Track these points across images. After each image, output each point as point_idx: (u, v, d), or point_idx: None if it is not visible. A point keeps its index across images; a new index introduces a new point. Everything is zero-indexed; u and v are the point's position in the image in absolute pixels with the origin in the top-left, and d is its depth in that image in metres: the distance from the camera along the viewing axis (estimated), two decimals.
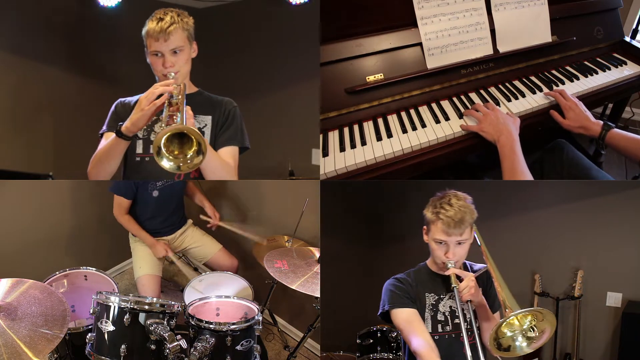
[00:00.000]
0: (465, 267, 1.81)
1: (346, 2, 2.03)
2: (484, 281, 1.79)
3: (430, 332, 1.70)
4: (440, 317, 1.73)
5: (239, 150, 2.05)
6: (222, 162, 1.95)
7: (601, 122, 2.01)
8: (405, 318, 1.69)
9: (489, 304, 1.72)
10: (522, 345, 1.56)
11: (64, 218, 3.10)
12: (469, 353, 1.51)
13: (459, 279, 1.65)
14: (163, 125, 1.70)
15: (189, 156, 1.66)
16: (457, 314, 1.71)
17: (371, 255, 3.26)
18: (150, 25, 1.88)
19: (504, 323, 1.53)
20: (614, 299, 2.65)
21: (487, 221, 2.83)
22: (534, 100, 2.13)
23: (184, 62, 1.93)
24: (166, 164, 1.64)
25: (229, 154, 2.00)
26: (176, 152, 1.66)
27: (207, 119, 2.01)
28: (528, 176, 1.81)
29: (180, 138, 1.66)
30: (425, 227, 1.74)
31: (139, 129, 1.84)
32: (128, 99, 2.02)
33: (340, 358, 2.61)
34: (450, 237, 1.65)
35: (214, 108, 2.03)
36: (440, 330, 1.72)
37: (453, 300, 1.73)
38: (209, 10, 3.67)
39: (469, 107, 2.07)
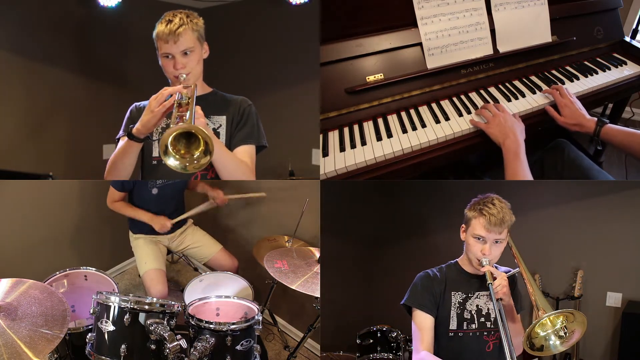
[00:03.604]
0: None
1: (346, 2, 2.03)
2: (509, 284, 1.81)
3: (455, 329, 1.75)
4: (466, 315, 1.76)
5: (257, 149, 2.02)
6: (238, 162, 1.93)
7: (595, 119, 2.01)
8: (419, 323, 1.75)
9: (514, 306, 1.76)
10: (555, 344, 1.61)
11: (64, 218, 3.10)
12: (506, 346, 1.54)
13: (492, 277, 1.69)
14: (172, 125, 1.69)
15: (195, 156, 1.65)
16: (483, 313, 1.76)
17: (371, 255, 3.26)
18: (160, 27, 1.88)
19: (538, 323, 1.59)
20: (614, 299, 2.65)
21: None
22: (534, 100, 2.13)
23: (195, 63, 1.93)
24: (172, 162, 1.63)
25: (246, 152, 1.97)
26: (183, 152, 1.65)
27: (222, 119, 2.00)
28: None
29: (188, 138, 1.65)
30: (463, 225, 1.78)
31: (150, 131, 1.83)
32: (143, 103, 2.01)
33: (340, 358, 2.61)
34: (490, 234, 1.69)
35: (228, 108, 2.01)
36: (465, 327, 1.75)
37: (480, 300, 1.77)
38: (209, 10, 3.66)
39: (469, 107, 2.07)
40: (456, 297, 1.78)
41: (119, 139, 1.99)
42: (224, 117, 2.00)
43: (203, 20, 1.97)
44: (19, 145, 3.09)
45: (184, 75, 1.88)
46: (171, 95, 1.78)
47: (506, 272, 1.75)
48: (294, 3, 3.15)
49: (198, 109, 1.76)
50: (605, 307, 2.67)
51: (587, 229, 2.70)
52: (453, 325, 1.75)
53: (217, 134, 1.98)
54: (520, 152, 1.86)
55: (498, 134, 1.91)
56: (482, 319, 1.76)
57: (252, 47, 3.54)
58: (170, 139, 1.61)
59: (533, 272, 2.79)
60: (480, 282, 1.78)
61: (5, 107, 3.01)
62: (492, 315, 1.74)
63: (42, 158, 3.24)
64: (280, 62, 3.42)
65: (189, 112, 1.71)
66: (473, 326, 1.76)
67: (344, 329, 2.71)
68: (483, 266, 1.70)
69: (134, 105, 2.03)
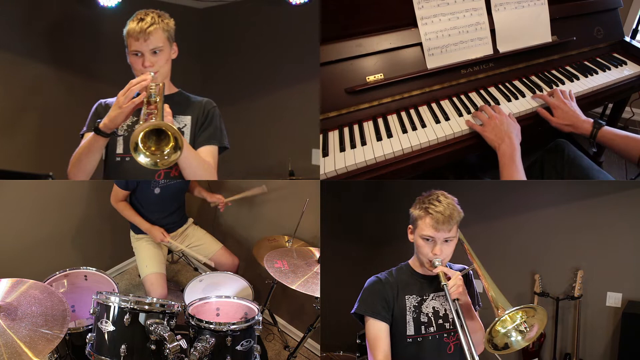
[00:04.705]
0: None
1: (346, 2, 2.03)
2: (466, 281, 1.76)
3: (413, 334, 1.68)
4: (423, 318, 1.70)
5: (219, 150, 2.06)
6: (202, 161, 1.97)
7: (592, 120, 2.00)
8: (372, 332, 1.68)
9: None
10: (517, 339, 1.57)
11: (64, 218, 3.10)
12: (466, 348, 1.48)
13: (446, 277, 1.64)
14: (141, 122, 1.72)
15: (165, 152, 1.68)
16: (440, 315, 1.70)
17: (371, 255, 3.26)
18: (131, 25, 1.91)
19: (497, 322, 1.53)
20: (614, 299, 2.65)
21: (487, 221, 2.86)
22: (534, 100, 2.13)
23: (164, 62, 1.96)
24: (143, 159, 1.66)
25: (209, 153, 2.02)
26: (153, 149, 1.68)
27: (187, 119, 2.03)
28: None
29: (158, 135, 1.69)
30: (410, 226, 1.72)
31: (117, 126, 1.85)
32: (109, 100, 2.04)
33: (340, 358, 2.61)
34: (439, 233, 1.63)
35: (193, 108, 2.05)
36: (423, 332, 1.69)
37: (436, 301, 1.71)
38: (209, 10, 3.67)
39: (469, 107, 2.07)
40: (410, 301, 1.70)
41: (82, 135, 2.01)
42: (189, 117, 2.03)
43: (174, 22, 1.99)
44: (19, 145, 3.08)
45: (152, 74, 1.90)
46: (139, 93, 1.80)
47: (460, 270, 1.69)
48: (294, 3, 3.14)
49: (166, 106, 1.79)
50: (605, 307, 2.67)
51: (587, 229, 2.70)
52: (410, 330, 1.68)
53: (182, 133, 1.98)
54: (515, 156, 1.84)
55: (494, 137, 1.89)
56: (440, 321, 1.69)
57: (252, 47, 3.54)
58: (140, 136, 1.64)
59: (533, 272, 2.80)
60: (434, 284, 1.71)
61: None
62: (450, 316, 1.66)
63: (42, 158, 3.24)
64: (280, 62, 3.42)
65: (157, 110, 1.74)
66: (431, 329, 1.69)
67: (344, 329, 2.70)
68: (435, 267, 1.64)
69: (99, 101, 2.05)
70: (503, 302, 1.53)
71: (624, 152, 1.98)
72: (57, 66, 3.13)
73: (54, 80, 3.12)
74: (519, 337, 1.57)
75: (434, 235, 1.64)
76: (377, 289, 1.72)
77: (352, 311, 1.73)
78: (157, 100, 1.79)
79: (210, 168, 1.99)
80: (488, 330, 1.52)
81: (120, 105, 1.78)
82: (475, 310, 1.73)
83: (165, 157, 1.68)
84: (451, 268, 1.76)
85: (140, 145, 1.65)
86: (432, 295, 1.72)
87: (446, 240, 1.65)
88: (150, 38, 1.89)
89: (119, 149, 1.99)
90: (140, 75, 1.90)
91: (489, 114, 1.95)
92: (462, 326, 1.53)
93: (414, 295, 1.72)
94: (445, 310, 1.70)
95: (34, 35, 3.02)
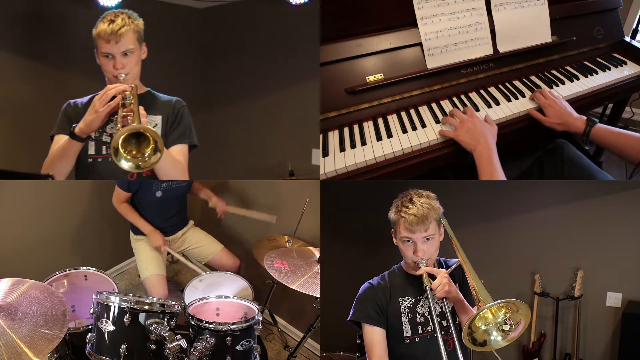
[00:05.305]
0: (440, 264, 1.78)
1: (346, 2, 2.03)
2: (460, 276, 1.76)
3: (410, 335, 1.68)
4: (419, 318, 1.70)
5: (189, 148, 2.09)
6: (174, 160, 1.99)
7: (584, 118, 2.00)
8: (368, 338, 1.69)
9: (467, 298, 1.69)
10: (497, 339, 1.53)
11: (64, 218, 3.10)
12: (443, 352, 1.49)
13: (432, 277, 1.63)
14: (119, 126, 1.74)
15: (146, 155, 1.70)
16: (437, 313, 1.68)
17: (371, 255, 3.25)
18: (102, 26, 1.90)
19: (477, 316, 1.50)
20: (614, 299, 2.65)
21: (487, 221, 2.86)
22: (529, 102, 2.12)
23: (134, 64, 1.96)
24: (125, 164, 1.69)
25: (180, 151, 2.05)
26: (134, 152, 1.70)
27: (157, 119, 2.04)
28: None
29: (137, 138, 1.70)
30: (392, 230, 1.73)
31: (93, 131, 1.86)
32: (78, 100, 2.05)
33: (340, 358, 2.61)
34: (415, 234, 1.63)
35: (163, 108, 2.06)
36: (420, 331, 1.69)
37: (432, 300, 1.69)
38: (209, 10, 3.67)
39: (469, 107, 2.07)
40: (404, 303, 1.71)
41: (52, 137, 2.01)
42: (159, 116, 2.04)
43: (143, 22, 2.00)
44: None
45: (123, 75, 1.91)
46: (115, 96, 1.81)
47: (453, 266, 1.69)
48: (294, 3, 3.14)
49: (141, 109, 1.81)
50: (605, 307, 2.67)
51: (587, 229, 2.70)
52: (407, 332, 1.69)
53: None
54: (492, 157, 1.82)
55: (469, 140, 1.86)
56: (438, 319, 1.67)
57: (252, 47, 3.54)
58: (120, 141, 1.65)
59: (533, 272, 2.80)
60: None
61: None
62: (448, 311, 1.66)
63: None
64: (280, 62, 3.42)
65: (133, 112, 1.76)
66: (429, 328, 1.69)
67: (344, 329, 2.69)
68: (419, 268, 1.64)
69: (68, 102, 2.05)
70: (485, 297, 1.50)
71: (618, 150, 1.97)
72: (59, 66, 3.13)
73: (55, 82, 3.12)
74: (499, 337, 1.53)
75: (411, 237, 1.64)
76: (370, 295, 1.73)
77: (348, 319, 1.75)
78: (132, 102, 1.81)
79: (182, 167, 2.03)
80: (467, 324, 1.49)
81: (96, 110, 1.80)
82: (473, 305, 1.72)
83: (147, 159, 1.70)
84: (447, 263, 1.76)
85: (121, 149, 1.67)
86: (426, 295, 1.70)
87: (427, 239, 1.65)
88: (121, 40, 1.89)
89: (91, 150, 1.99)
90: (111, 77, 1.93)
91: (460, 117, 1.92)
92: (446, 327, 1.55)
93: (408, 297, 1.72)
94: (441, 307, 1.70)
95: (35, 35, 3.02)
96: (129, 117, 1.76)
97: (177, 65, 3.58)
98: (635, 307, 2.56)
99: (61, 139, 1.94)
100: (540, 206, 2.79)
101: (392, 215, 1.70)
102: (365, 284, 1.77)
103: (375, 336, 1.68)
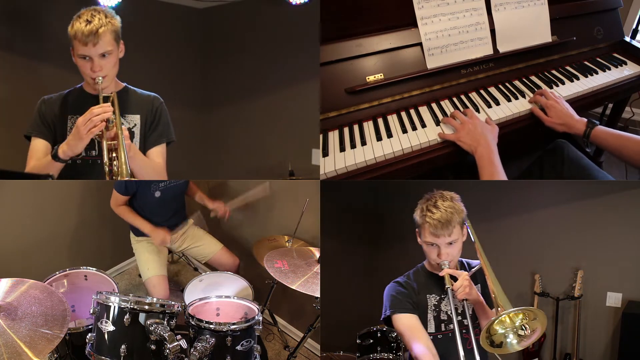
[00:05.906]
0: (462, 265, 1.82)
1: (346, 2, 2.03)
2: (482, 277, 1.79)
3: (434, 332, 1.72)
4: (443, 316, 1.74)
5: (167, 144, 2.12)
6: (153, 165, 2.04)
7: (585, 120, 2.00)
8: (407, 323, 1.71)
9: (487, 300, 1.73)
10: (512, 342, 1.57)
11: (64, 218, 3.10)
12: (461, 352, 1.53)
13: (454, 278, 1.66)
14: (104, 141, 1.84)
15: None
16: (459, 312, 1.72)
17: (371, 255, 3.26)
18: (78, 27, 1.84)
19: (496, 321, 1.54)
20: (614, 299, 2.65)
21: (487, 221, 2.86)
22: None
23: (112, 65, 1.93)
24: None
25: (159, 153, 2.07)
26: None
27: (136, 119, 2.04)
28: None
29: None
30: (417, 230, 1.75)
31: (76, 154, 1.85)
32: (52, 95, 2.02)
33: (340, 358, 2.61)
34: (439, 239, 1.66)
35: (142, 106, 2.06)
36: (443, 329, 1.73)
37: (455, 299, 1.73)
38: (209, 10, 3.67)
39: (469, 107, 2.07)
40: (431, 300, 1.75)
41: (29, 137, 1.98)
42: (138, 116, 2.04)
43: (120, 19, 1.94)
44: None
45: (101, 79, 1.88)
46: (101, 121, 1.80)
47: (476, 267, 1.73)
48: (294, 3, 3.14)
49: (125, 130, 1.84)
50: (605, 307, 2.67)
51: (587, 229, 2.70)
52: (431, 328, 1.72)
53: (132, 134, 2.02)
54: (493, 158, 1.82)
55: (470, 142, 1.86)
56: (459, 318, 1.72)
57: (252, 47, 3.54)
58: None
59: (533, 272, 2.80)
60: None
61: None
62: (469, 312, 1.69)
63: None
64: (280, 62, 3.42)
65: (119, 148, 1.82)
66: (451, 326, 1.72)
67: (344, 329, 2.70)
68: (442, 270, 1.67)
69: (42, 99, 2.02)
70: (504, 302, 1.54)
71: (618, 152, 1.97)
72: (59, 67, 3.13)
73: (56, 82, 3.12)
74: (514, 341, 1.57)
75: (436, 241, 1.67)
76: (401, 290, 1.76)
77: (382, 317, 1.77)
78: (115, 121, 1.83)
79: (161, 168, 2.07)
80: (485, 328, 1.54)
81: (81, 136, 1.79)
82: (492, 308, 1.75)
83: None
84: (469, 265, 1.79)
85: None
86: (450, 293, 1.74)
87: (450, 243, 1.67)
88: (99, 42, 1.84)
89: None
90: (89, 79, 1.91)
91: (461, 119, 1.93)
92: (466, 326, 1.58)
93: (434, 295, 1.76)
94: (463, 306, 1.72)
95: (35, 38, 3.02)
96: (113, 157, 1.83)
97: (177, 65, 3.58)
98: (635, 307, 2.56)
99: (39, 144, 1.94)
100: (540, 206, 2.79)
101: (417, 217, 1.72)
102: (392, 283, 1.80)
103: (415, 321, 1.70)
